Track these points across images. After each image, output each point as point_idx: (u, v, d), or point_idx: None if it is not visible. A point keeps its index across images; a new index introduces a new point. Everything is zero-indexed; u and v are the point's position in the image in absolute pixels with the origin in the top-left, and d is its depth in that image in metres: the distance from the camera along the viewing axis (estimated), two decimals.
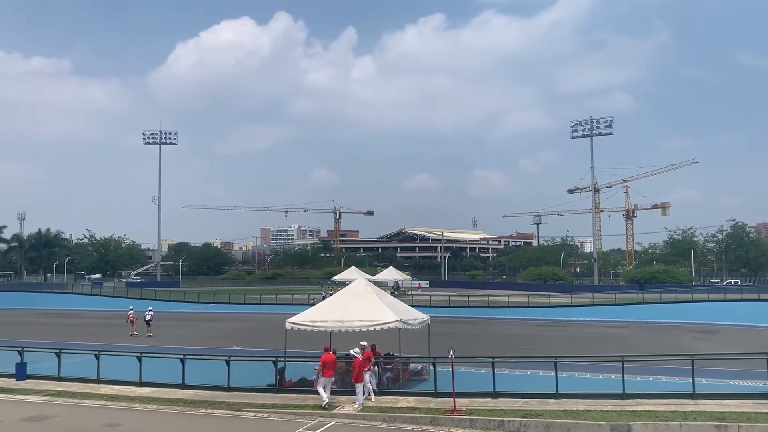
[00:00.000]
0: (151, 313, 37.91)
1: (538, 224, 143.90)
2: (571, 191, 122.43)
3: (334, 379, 17.28)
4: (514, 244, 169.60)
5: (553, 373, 16.93)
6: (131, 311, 38.53)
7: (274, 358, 18.92)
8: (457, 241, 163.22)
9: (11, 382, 20.57)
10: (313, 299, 50.65)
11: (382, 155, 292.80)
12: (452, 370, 16.09)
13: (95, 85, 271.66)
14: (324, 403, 16.47)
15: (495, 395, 16.82)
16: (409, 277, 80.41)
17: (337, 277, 69.06)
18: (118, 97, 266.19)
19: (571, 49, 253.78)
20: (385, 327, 18.61)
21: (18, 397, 18.77)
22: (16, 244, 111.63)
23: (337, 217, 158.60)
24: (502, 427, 14.52)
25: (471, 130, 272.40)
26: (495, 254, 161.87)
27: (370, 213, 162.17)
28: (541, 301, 56.96)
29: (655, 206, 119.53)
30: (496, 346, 29.12)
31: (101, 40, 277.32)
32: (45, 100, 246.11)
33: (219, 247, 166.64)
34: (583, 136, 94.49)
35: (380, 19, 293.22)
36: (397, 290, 67.61)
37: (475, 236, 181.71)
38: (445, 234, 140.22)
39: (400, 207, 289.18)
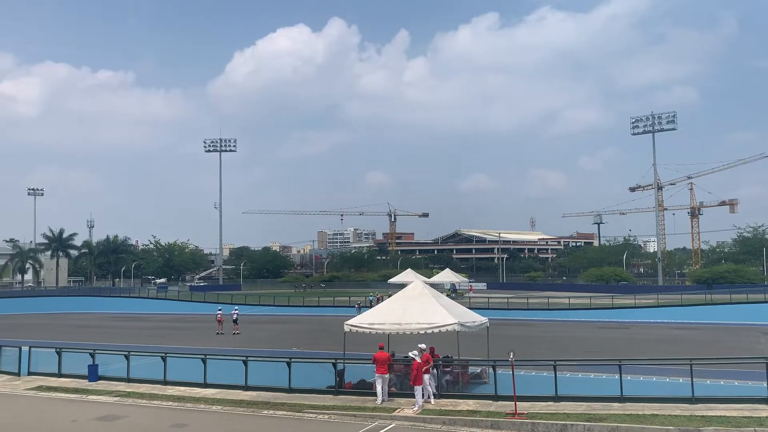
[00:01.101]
0: (237, 313, 41.31)
1: (598, 224, 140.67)
2: (632, 189, 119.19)
3: (388, 376, 17.53)
4: (574, 244, 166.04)
5: (617, 377, 16.50)
6: (219, 312, 41.25)
7: (333, 360, 19.11)
8: (514, 242, 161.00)
9: (84, 383, 21.49)
10: (358, 302, 52.49)
11: (437, 156, 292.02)
12: (513, 373, 15.89)
13: (157, 96, 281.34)
14: (379, 401, 16.87)
15: (557, 399, 16.51)
16: (466, 279, 79.74)
17: (393, 280, 69.17)
18: (180, 106, 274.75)
19: (629, 43, 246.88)
20: (443, 330, 18.53)
21: (91, 397, 19.58)
22: (86, 250, 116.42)
23: (392, 219, 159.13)
24: (565, 431, 14.23)
25: (527, 128, 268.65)
26: (554, 255, 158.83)
27: (425, 215, 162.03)
28: (604, 303, 55.54)
29: (723, 203, 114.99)
30: (557, 349, 28.58)
31: (163, 53, 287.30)
32: (111, 112, 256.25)
33: (278, 250, 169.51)
34: (645, 132, 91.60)
35: (433, 20, 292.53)
36: (453, 292, 67.22)
37: (534, 237, 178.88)
38: (502, 235, 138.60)
39: (455, 208, 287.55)
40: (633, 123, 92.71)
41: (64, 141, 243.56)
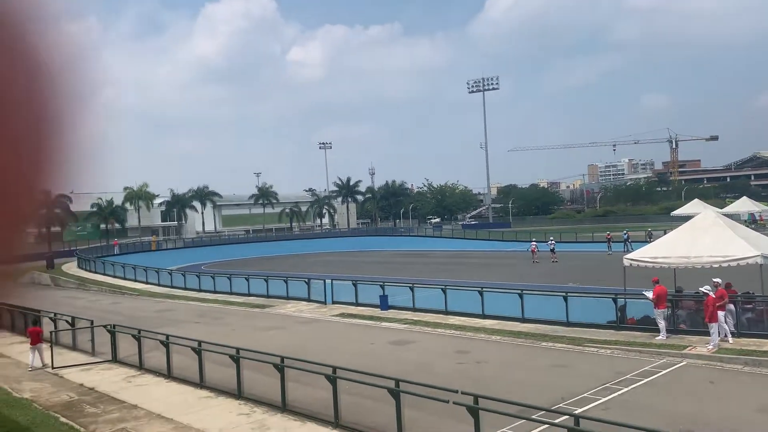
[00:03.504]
0: (553, 243, 45.76)
1: None
2: None
3: (667, 311, 16.56)
4: None
5: None
6: (533, 243, 45.73)
7: (613, 295, 18.38)
8: None
9: (377, 311, 23.93)
10: (608, 235, 52.53)
11: (725, 71, 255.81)
12: None
13: (422, 43, 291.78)
14: (662, 337, 16.13)
15: None
16: None
17: (677, 212, 63.15)
18: (443, 51, 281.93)
19: None
20: (742, 263, 16.49)
21: (383, 324, 21.74)
22: (370, 195, 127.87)
23: (673, 146, 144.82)
24: None
25: None
26: None
27: (714, 138, 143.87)
28: None
29: None
30: None
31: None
32: (383, 65, 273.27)
33: (546, 187, 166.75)
34: None
35: None
36: (753, 223, 59.07)
37: None
38: None
39: (751, 128, 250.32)
40: None
41: (345, 97, 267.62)
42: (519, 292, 20.59)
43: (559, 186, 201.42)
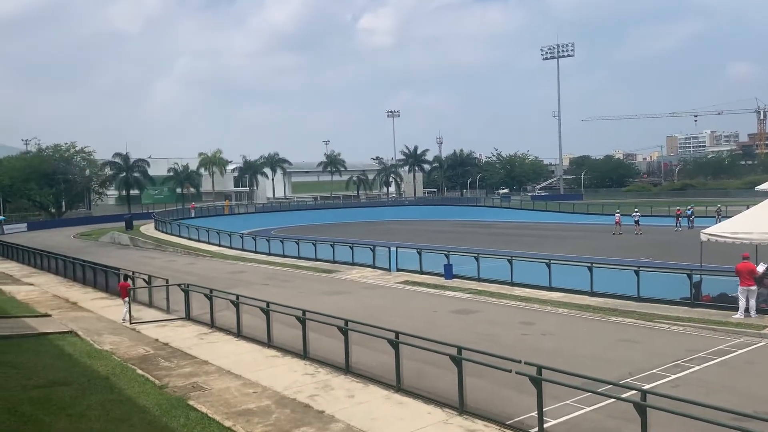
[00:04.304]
0: (638, 215, 44.73)
1: None
2: None
3: (755, 289, 15.59)
4: None
5: None
6: (617, 213, 45.25)
7: (688, 271, 17.65)
8: None
9: (441, 280, 23.91)
10: (678, 209, 49.07)
11: None
12: None
13: (494, 9, 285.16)
14: (740, 316, 15.46)
15: None
16: None
17: (761, 187, 59.47)
18: (516, 18, 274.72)
19: None
20: None
21: (447, 293, 21.70)
22: (437, 164, 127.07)
23: (761, 117, 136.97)
24: None
25: None
26: None
27: None
28: None
29: None
30: None
31: None
32: (453, 32, 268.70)
33: (621, 158, 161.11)
34: None
35: None
36: None
37: None
38: None
39: None
40: None
41: (415, 65, 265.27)
42: (588, 265, 20.09)
43: (635, 158, 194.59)
